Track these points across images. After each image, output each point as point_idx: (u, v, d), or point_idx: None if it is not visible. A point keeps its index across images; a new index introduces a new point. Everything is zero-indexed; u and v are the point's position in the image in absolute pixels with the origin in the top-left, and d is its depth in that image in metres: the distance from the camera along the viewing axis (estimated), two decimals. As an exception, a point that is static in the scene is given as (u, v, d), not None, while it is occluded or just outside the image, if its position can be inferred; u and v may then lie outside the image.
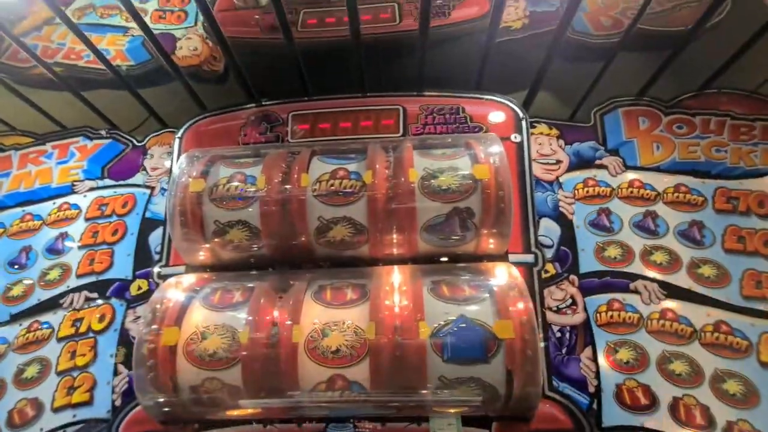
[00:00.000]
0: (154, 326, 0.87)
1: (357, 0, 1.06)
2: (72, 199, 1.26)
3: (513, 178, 1.10)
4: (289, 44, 1.21)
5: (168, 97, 1.50)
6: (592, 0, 1.47)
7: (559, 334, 1.01)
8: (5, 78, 1.46)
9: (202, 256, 1.03)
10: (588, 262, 1.08)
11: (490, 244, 0.98)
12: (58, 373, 1.05)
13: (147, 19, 1.64)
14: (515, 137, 1.17)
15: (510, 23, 1.43)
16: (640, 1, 1.11)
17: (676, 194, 1.13)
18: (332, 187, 0.97)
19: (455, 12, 1.42)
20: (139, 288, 1.12)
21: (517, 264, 1.01)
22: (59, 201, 1.26)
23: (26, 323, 1.11)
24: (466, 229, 0.96)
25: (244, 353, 0.83)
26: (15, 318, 1.12)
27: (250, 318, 0.86)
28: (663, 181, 1.15)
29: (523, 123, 1.19)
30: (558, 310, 1.03)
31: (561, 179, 1.18)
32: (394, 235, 0.97)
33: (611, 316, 1.02)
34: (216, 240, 0.99)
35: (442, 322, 0.83)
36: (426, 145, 1.08)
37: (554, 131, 1.25)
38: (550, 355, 0.98)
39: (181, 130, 1.26)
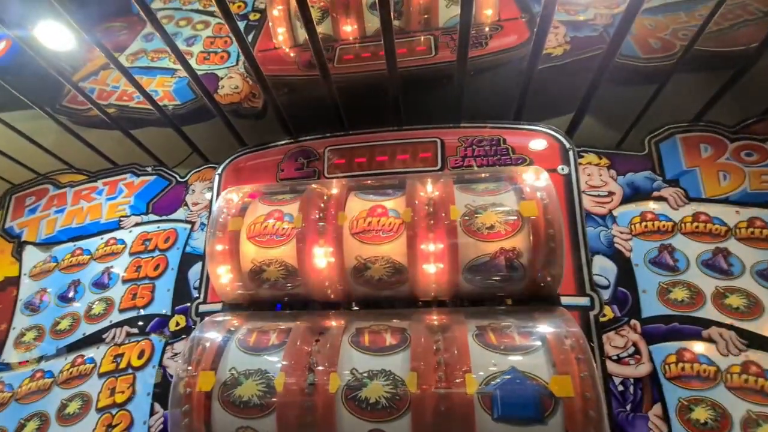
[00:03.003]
0: (192, 367, 0.85)
1: (393, 36, 1.05)
2: (119, 234, 1.30)
3: (562, 213, 1.04)
4: (325, 80, 1.22)
5: (210, 133, 1.56)
6: (638, 22, 1.41)
7: (621, 387, 0.90)
8: (65, 120, 1.57)
9: (239, 293, 1.02)
10: (651, 305, 0.97)
11: (540, 286, 0.91)
12: (98, 410, 1.05)
13: (192, 61, 1.75)
14: (562, 169, 1.10)
15: (550, 50, 1.38)
16: (692, 22, 1.04)
17: (750, 229, 1.01)
18: (370, 225, 0.94)
19: (493, 42, 1.39)
20: (177, 324, 1.12)
21: (570, 308, 0.93)
22: (107, 236, 1.31)
23: (71, 357, 1.13)
24: (513, 270, 0.89)
25: (279, 401, 0.79)
26: (61, 352, 1.15)
27: (286, 363, 0.82)
28: (734, 215, 1.04)
29: (570, 153, 1.12)
30: (619, 360, 0.93)
31: (615, 213, 1.10)
32: (435, 276, 0.91)
33: (682, 368, 0.90)
34: (253, 278, 0.98)
35: (490, 375, 0.76)
36: (466, 180, 1.04)
37: (604, 161, 1.17)
38: (613, 412, 0.87)
39: (221, 167, 1.29)
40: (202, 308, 1.09)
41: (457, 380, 0.75)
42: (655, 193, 1.10)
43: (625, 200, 1.11)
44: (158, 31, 1.09)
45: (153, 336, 1.12)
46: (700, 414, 0.86)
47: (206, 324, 0.96)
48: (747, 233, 1.01)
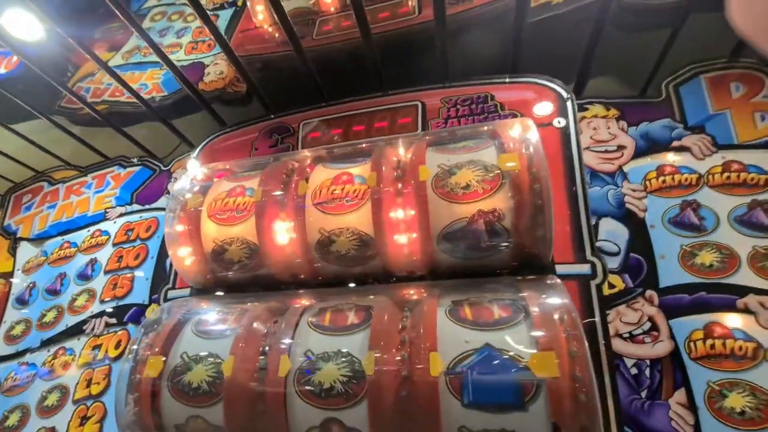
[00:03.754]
0: (146, 353, 0.79)
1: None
2: (104, 225, 1.29)
3: (557, 170, 0.90)
4: (297, 53, 1.14)
5: (197, 123, 1.53)
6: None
7: (634, 371, 0.75)
8: (63, 119, 1.59)
9: (205, 277, 0.95)
10: (671, 273, 0.81)
11: (529, 253, 0.77)
12: (75, 402, 1.02)
13: (181, 52, 1.73)
14: (558, 122, 0.96)
15: (548, -3, 1.23)
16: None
17: (797, 176, 0.82)
18: (334, 194, 0.84)
19: (480, -6, 1.26)
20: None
21: (567, 277, 0.79)
22: (93, 228, 1.29)
23: (53, 349, 1.12)
24: (495, 234, 0.76)
25: (227, 388, 0.71)
26: (45, 344, 1.14)
27: (236, 346, 0.74)
28: (775, 160, 0.86)
29: (569, 104, 0.98)
30: (632, 337, 0.78)
31: (625, 169, 0.94)
32: (407, 247, 0.80)
33: (711, 346, 0.74)
34: (216, 259, 0.91)
35: (461, 354, 0.64)
36: (445, 140, 0.92)
37: (613, 111, 1.01)
38: (621, 400, 0.72)
39: (197, 150, 1.24)
40: (171, 294, 1.04)
41: (421, 361, 0.64)
42: (675, 143, 0.93)
43: (638, 154, 0.95)
44: (133, 26, 1.06)
45: (130, 326, 1.08)
46: (736, 401, 0.69)
47: (167, 308, 0.90)
48: (793, 181, 0.82)
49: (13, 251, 1.35)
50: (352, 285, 0.91)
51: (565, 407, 0.57)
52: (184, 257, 0.92)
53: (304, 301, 0.85)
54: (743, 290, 0.76)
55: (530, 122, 0.82)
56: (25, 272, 1.29)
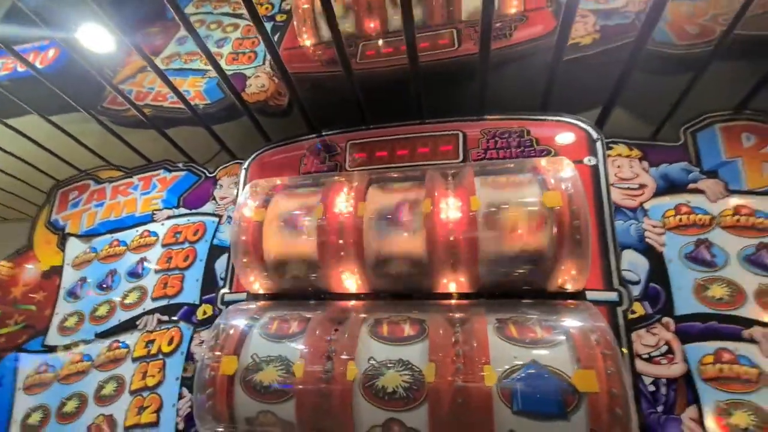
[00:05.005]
0: (216, 353, 0.88)
1: (414, 29, 1.05)
2: (152, 226, 1.37)
3: (589, 205, 1.00)
4: (347, 76, 1.23)
5: (238, 131, 1.61)
6: (674, 8, 1.34)
7: (652, 388, 0.86)
8: (105, 120, 1.66)
9: (263, 284, 1.04)
10: (686, 303, 0.92)
11: (565, 280, 0.88)
12: (131, 392, 1.10)
13: (222, 62, 1.81)
14: (589, 160, 1.06)
15: (579, 39, 1.34)
16: (732, 6, 0.98)
17: (799, 223, 0.94)
18: (389, 218, 0.94)
19: (518, 32, 1.37)
20: (205, 313, 1.16)
21: (597, 303, 0.89)
22: (141, 228, 1.37)
23: (108, 342, 1.20)
24: (536, 263, 0.87)
25: (298, 387, 0.80)
26: (99, 336, 1.21)
27: (306, 350, 0.84)
28: (780, 208, 0.97)
29: (598, 144, 1.08)
30: (650, 359, 0.88)
31: (646, 206, 1.04)
32: (455, 269, 0.90)
33: (720, 370, 0.85)
34: (276, 269, 1.00)
35: (510, 368, 0.74)
36: (488, 172, 1.02)
37: (636, 152, 1.12)
38: (643, 413, 0.83)
39: (247, 162, 1.33)
40: (228, 297, 1.13)
41: (476, 372, 0.74)
42: (691, 185, 1.04)
43: (658, 193, 1.05)
44: (191, 33, 1.13)
45: (181, 323, 1.16)
46: (741, 419, 0.80)
47: (230, 312, 0.99)
48: (795, 227, 0.94)
49: (62, 246, 1.42)
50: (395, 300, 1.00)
51: (603, 419, 0.68)
52: (246, 264, 1.01)
53: (355, 312, 0.94)
54: (749, 322, 0.88)
55: (569, 162, 0.92)
56: (74, 267, 1.37)
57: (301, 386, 0.80)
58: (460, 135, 1.18)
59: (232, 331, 0.91)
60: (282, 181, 1.14)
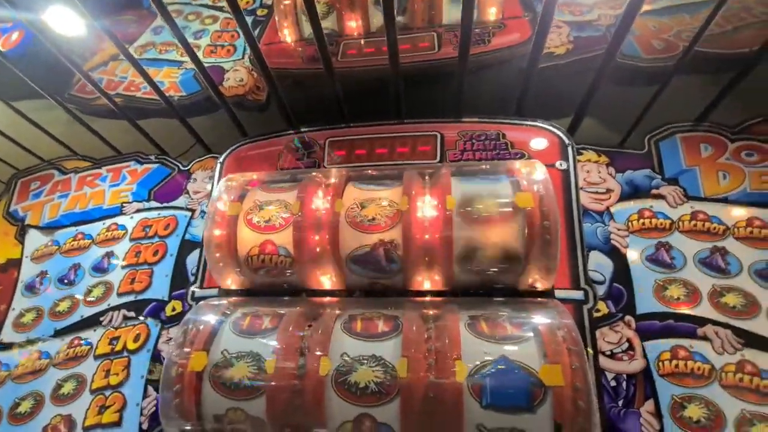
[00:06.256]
0: (185, 349, 0.86)
1: (396, 31, 1.06)
2: (120, 219, 1.32)
3: (560, 207, 1.04)
4: (328, 74, 1.24)
5: (214, 125, 1.57)
6: (641, 23, 1.41)
7: (614, 383, 0.90)
8: (72, 108, 1.59)
9: (236, 279, 1.02)
10: (646, 302, 0.97)
11: (535, 278, 0.91)
12: (92, 391, 1.06)
13: (199, 54, 1.77)
14: (560, 164, 1.10)
15: (553, 49, 1.39)
16: (696, 24, 1.05)
17: (749, 229, 1.00)
18: (366, 214, 0.94)
19: (496, 39, 1.40)
20: (174, 309, 1.12)
21: (564, 301, 0.93)
22: (108, 221, 1.32)
23: (68, 339, 1.14)
24: (508, 261, 0.89)
25: (269, 384, 0.79)
26: (59, 333, 1.16)
27: (278, 346, 0.83)
28: (733, 214, 1.04)
29: (569, 149, 1.13)
30: (612, 355, 0.92)
31: (612, 209, 1.09)
32: (429, 266, 0.91)
33: (676, 366, 0.90)
34: (250, 264, 0.99)
35: (481, 363, 0.76)
36: (465, 172, 1.04)
37: (603, 158, 1.17)
38: (605, 407, 0.86)
39: (223, 156, 1.31)
40: (199, 293, 1.10)
41: (448, 367, 0.75)
42: (654, 191, 1.10)
43: (624, 197, 1.11)
44: (168, 22, 1.10)
45: (149, 320, 1.13)
46: (694, 411, 0.85)
47: (200, 307, 0.96)
48: (745, 233, 1.00)
49: (21, 238, 1.35)
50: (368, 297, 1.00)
51: (567, 411, 0.70)
52: (219, 259, 0.99)
53: (330, 309, 0.94)
54: (703, 321, 0.93)
55: (542, 165, 0.96)
56: (34, 260, 1.30)
57: (273, 383, 0.79)
58: (438, 136, 1.20)
59: (202, 327, 0.89)
60: (258, 176, 1.12)
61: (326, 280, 0.99)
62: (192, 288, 1.12)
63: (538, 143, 1.14)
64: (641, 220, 1.07)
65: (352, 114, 1.36)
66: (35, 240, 1.34)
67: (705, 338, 0.91)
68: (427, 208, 0.93)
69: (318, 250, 0.95)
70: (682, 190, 1.09)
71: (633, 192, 1.11)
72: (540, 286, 0.92)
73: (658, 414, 0.86)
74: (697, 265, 0.99)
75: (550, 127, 1.16)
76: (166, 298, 1.15)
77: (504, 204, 0.90)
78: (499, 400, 0.73)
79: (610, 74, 1.18)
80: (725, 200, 1.06)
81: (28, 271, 1.29)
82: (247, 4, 1.92)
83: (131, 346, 1.10)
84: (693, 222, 1.04)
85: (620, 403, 0.88)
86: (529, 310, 0.86)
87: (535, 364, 0.74)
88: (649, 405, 0.87)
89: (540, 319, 0.82)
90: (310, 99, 1.44)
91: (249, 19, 1.83)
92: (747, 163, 1.09)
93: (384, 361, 0.79)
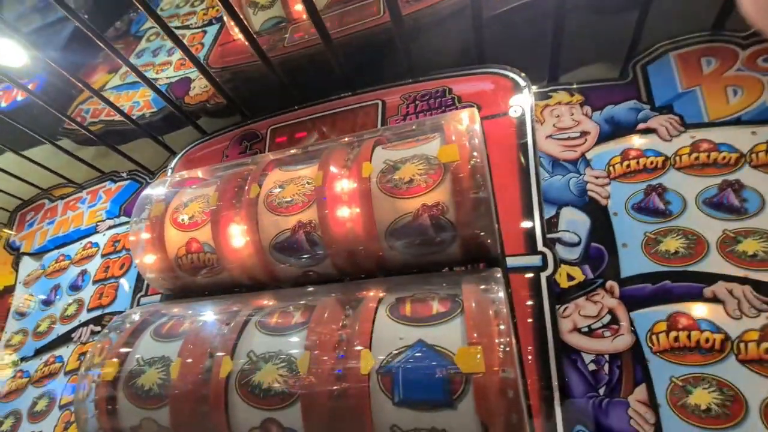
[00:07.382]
0: (97, 359, 0.82)
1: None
2: (94, 238, 1.35)
3: (512, 160, 0.87)
4: (265, 63, 1.16)
5: (186, 136, 1.58)
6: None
7: (593, 366, 0.71)
8: (67, 141, 1.69)
9: (171, 282, 0.98)
10: (633, 262, 0.76)
11: (476, 245, 0.75)
12: (60, 407, 1.07)
13: (171, 69, 1.81)
14: (514, 111, 0.93)
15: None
16: None
17: (771, 152, 0.76)
18: (284, 195, 0.85)
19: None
20: (134, 320, 1.10)
21: (518, 269, 0.76)
22: (85, 241, 1.36)
23: (45, 357, 1.17)
24: (441, 228, 0.74)
25: (173, 390, 0.72)
26: (38, 352, 1.20)
27: (184, 347, 0.75)
28: (749, 137, 0.79)
29: (525, 91, 0.94)
30: (590, 332, 0.73)
31: (588, 155, 0.90)
32: (354, 245, 0.80)
33: (676, 339, 0.69)
34: (180, 264, 0.93)
35: (395, 351, 0.63)
36: (399, 136, 0.91)
37: (577, 97, 0.97)
38: (576, 397, 0.68)
39: (174, 160, 1.28)
40: (144, 300, 1.07)
41: (353, 359, 0.63)
42: (641, 125, 0.88)
43: (602, 139, 0.90)
44: (170, 37, 1.09)
45: (111, 334, 1.11)
46: (702, 397, 0.64)
47: (125, 315, 0.92)
48: (767, 158, 0.76)
49: (15, 266, 1.43)
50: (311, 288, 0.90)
51: (491, 404, 0.55)
52: (149, 264, 0.95)
53: (266, 302, 0.86)
54: (711, 278, 0.71)
55: (472, 111, 0.80)
56: (25, 285, 1.37)
57: (175, 388, 0.72)
58: (380, 104, 1.08)
59: (121, 335, 0.84)
60: (196, 174, 1.08)
61: (258, 273, 0.91)
62: (138, 296, 1.10)
63: (487, 90, 0.97)
64: (625, 163, 0.86)
65: (305, 97, 1.28)
66: (27, 266, 1.41)
67: (715, 300, 0.69)
68: (344, 181, 0.81)
69: (237, 240, 0.87)
70: (677, 118, 0.87)
71: (614, 131, 0.90)
72: (481, 252, 0.76)
73: (652, 403, 0.66)
74: (702, 208, 0.77)
75: (500, 70, 0.98)
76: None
77: (426, 163, 0.75)
78: (412, 395, 0.59)
79: (583, 3, 0.99)
80: (737, 121, 0.82)
81: (19, 295, 1.36)
82: (217, 11, 1.94)
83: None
84: (694, 155, 0.82)
85: (601, 391, 0.69)
86: (462, 283, 0.70)
87: (454, 348, 0.59)
88: (640, 392, 0.67)
89: (469, 293, 0.66)
90: (263, 91, 1.38)
91: (216, 27, 1.84)
92: (765, 71, 0.84)
93: (291, 356, 0.68)
